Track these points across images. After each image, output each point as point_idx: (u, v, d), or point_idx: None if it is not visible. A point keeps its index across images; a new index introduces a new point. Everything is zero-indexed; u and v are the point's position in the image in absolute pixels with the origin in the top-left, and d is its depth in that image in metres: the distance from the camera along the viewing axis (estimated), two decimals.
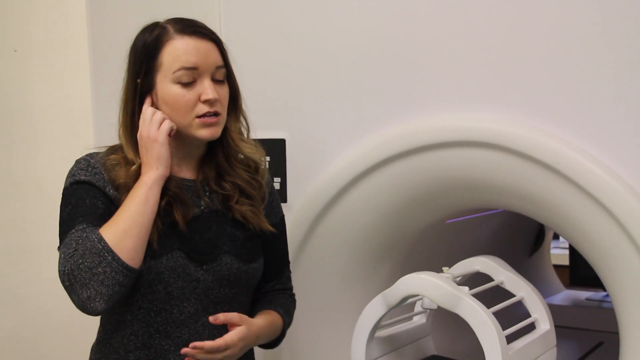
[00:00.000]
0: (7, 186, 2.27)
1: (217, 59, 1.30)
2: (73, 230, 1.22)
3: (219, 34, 1.35)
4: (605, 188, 1.39)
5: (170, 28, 1.30)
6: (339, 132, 1.73)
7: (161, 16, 1.34)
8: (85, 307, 1.18)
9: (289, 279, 1.54)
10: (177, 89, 1.27)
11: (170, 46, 1.28)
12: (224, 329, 1.31)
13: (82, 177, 1.28)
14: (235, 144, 1.36)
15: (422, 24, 1.59)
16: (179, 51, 1.27)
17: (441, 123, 1.57)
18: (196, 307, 1.31)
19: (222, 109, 1.31)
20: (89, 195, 1.27)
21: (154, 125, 1.27)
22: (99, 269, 1.16)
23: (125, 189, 1.28)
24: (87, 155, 1.34)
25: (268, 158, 1.79)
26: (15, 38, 2.29)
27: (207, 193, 1.36)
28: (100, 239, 1.19)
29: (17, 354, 2.29)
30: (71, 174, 1.31)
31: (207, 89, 1.27)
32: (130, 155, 1.31)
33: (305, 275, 1.80)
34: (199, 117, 1.28)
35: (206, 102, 1.27)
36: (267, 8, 1.81)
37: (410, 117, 1.62)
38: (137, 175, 1.29)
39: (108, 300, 1.18)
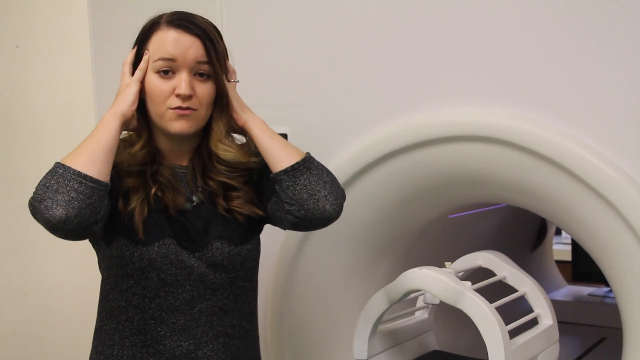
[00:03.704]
0: (9, 181, 2.28)
1: (198, 54, 1.29)
2: None
3: (219, 29, 1.35)
4: (608, 182, 1.38)
5: (163, 18, 1.32)
6: (342, 127, 1.73)
7: (162, 11, 1.34)
8: (47, 219, 1.16)
9: None
10: (155, 78, 1.29)
11: (156, 36, 1.30)
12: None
13: None
14: (213, 145, 1.34)
15: (424, 19, 1.59)
16: (161, 42, 1.29)
17: (443, 118, 1.57)
18: (192, 294, 1.31)
19: (200, 105, 1.30)
20: None
21: (126, 76, 1.32)
22: (52, 181, 1.17)
23: (128, 174, 1.30)
24: None
25: None
26: (17, 33, 2.29)
27: (200, 189, 1.36)
28: (56, 163, 1.20)
29: (21, 348, 2.29)
30: None
31: (181, 82, 1.27)
32: (141, 132, 1.33)
33: (307, 271, 1.80)
34: (171, 109, 1.29)
35: (179, 96, 1.28)
36: (268, 2, 1.81)
37: (413, 111, 1.62)
38: (141, 156, 1.31)
39: (66, 205, 1.15)
